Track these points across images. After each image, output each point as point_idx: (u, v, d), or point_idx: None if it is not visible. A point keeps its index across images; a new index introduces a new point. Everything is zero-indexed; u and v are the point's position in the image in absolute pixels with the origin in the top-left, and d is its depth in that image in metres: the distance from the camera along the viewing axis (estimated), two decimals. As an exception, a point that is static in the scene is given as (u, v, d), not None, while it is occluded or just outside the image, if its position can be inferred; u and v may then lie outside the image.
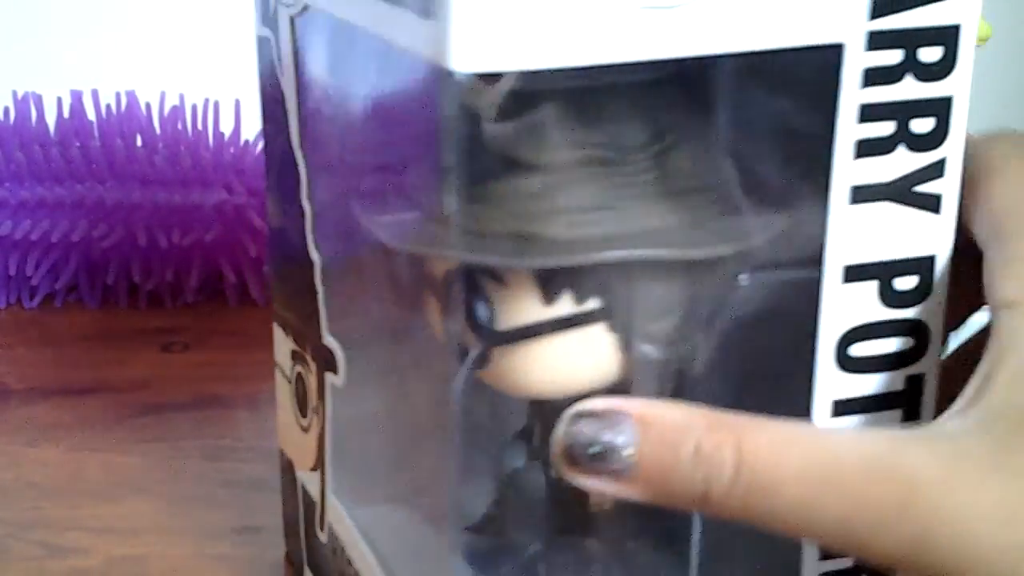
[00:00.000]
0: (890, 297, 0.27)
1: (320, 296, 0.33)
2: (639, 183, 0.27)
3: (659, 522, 0.29)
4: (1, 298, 0.59)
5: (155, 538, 0.42)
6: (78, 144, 0.57)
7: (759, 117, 0.28)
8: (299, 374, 0.36)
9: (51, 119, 0.58)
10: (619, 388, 0.28)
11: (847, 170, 0.26)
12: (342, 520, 0.34)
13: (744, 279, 0.27)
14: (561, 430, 0.25)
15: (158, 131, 0.58)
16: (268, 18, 0.34)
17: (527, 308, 0.27)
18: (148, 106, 0.58)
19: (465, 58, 0.23)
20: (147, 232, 0.57)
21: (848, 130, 0.26)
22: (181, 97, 0.58)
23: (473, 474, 0.30)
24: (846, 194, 0.26)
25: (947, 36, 0.26)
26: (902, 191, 0.27)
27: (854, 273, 0.27)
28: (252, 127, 0.59)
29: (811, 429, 0.26)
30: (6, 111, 0.59)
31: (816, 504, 0.24)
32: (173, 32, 0.68)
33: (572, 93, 0.26)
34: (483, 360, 0.28)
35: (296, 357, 0.36)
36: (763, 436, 0.24)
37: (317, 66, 0.32)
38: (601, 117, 0.27)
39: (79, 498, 0.44)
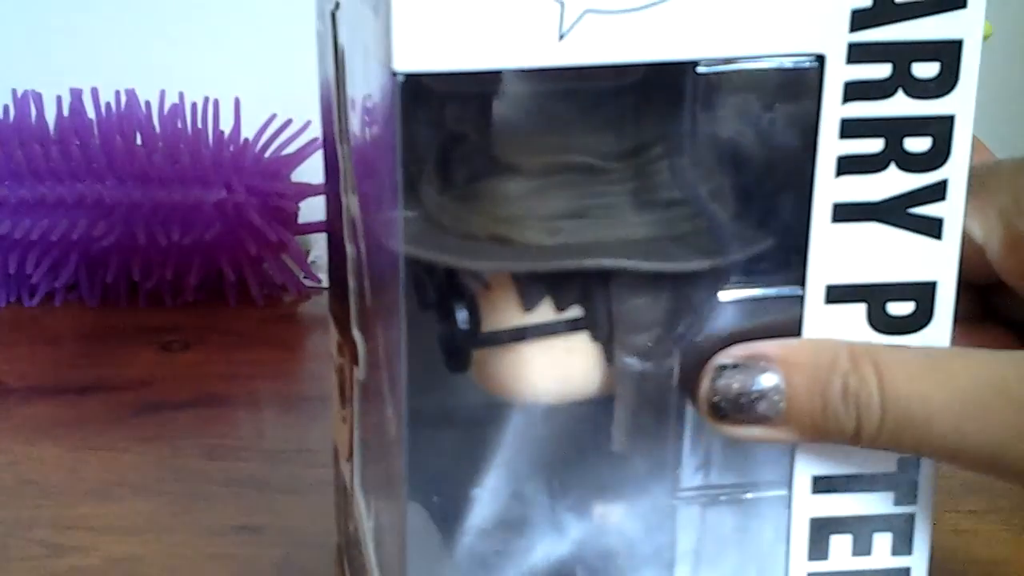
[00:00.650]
0: (882, 322, 0.26)
1: (351, 289, 0.33)
2: (621, 192, 0.27)
3: (650, 535, 0.29)
4: (1, 296, 0.59)
5: (155, 537, 0.42)
6: (78, 142, 0.57)
7: (742, 130, 0.27)
8: (340, 366, 0.36)
9: (51, 117, 0.58)
10: (603, 398, 0.28)
11: (828, 187, 0.26)
12: (360, 510, 0.34)
13: (724, 295, 0.27)
14: (706, 384, 0.26)
15: (158, 129, 0.58)
16: (321, 12, 0.34)
17: (507, 313, 0.27)
18: (148, 104, 0.58)
19: (406, 58, 0.23)
20: (147, 230, 0.57)
21: (829, 146, 0.25)
22: (180, 95, 0.58)
23: (485, 478, 0.30)
24: (828, 211, 0.26)
25: (944, 51, 0.25)
26: (895, 212, 0.26)
27: (838, 294, 0.26)
28: (252, 125, 0.59)
29: (944, 355, 0.26)
30: (5, 109, 0.59)
31: (963, 434, 0.24)
32: (173, 30, 0.68)
33: (558, 97, 0.26)
34: (463, 361, 0.28)
35: (340, 349, 0.36)
36: (903, 367, 0.25)
37: (344, 60, 0.33)
38: (586, 123, 0.27)
39: (79, 497, 0.44)
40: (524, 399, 0.28)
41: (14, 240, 0.57)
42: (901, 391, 0.25)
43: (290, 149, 0.59)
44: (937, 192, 0.26)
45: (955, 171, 0.26)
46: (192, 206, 0.57)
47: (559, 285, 0.27)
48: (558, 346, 0.27)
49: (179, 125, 0.58)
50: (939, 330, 0.27)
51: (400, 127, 0.24)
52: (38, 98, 0.59)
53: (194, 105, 0.58)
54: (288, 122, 0.59)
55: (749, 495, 0.28)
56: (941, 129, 0.25)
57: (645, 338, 0.27)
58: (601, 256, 0.26)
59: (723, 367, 0.26)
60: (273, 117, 0.59)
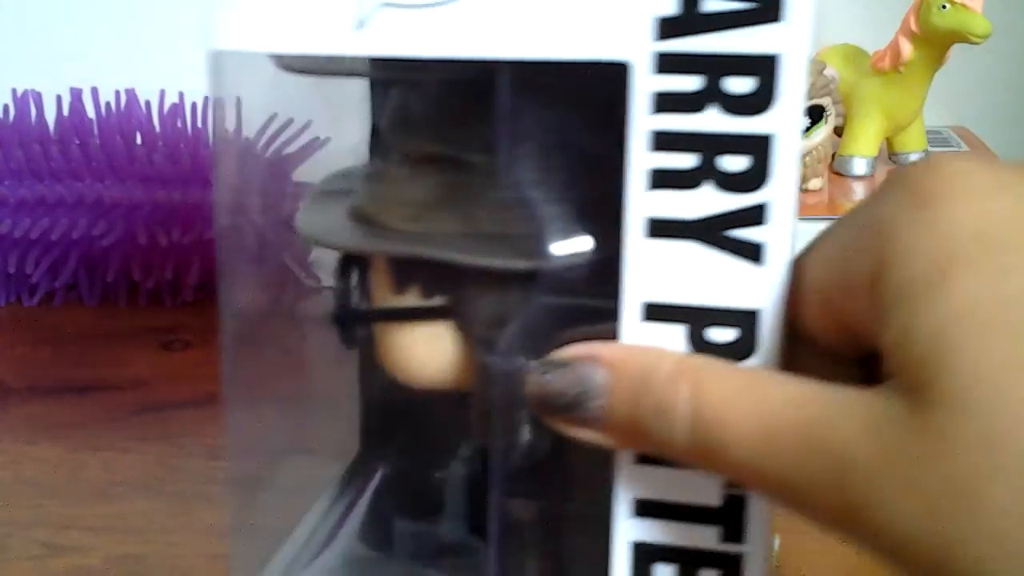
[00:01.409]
0: (704, 347, 0.25)
1: None
2: (476, 187, 0.27)
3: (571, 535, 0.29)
4: (1, 296, 0.59)
5: (155, 536, 0.42)
6: (78, 142, 0.57)
7: (560, 135, 0.26)
8: None
9: (51, 117, 0.58)
10: (465, 388, 0.28)
11: (641, 201, 0.24)
12: None
13: (544, 298, 0.26)
14: (533, 379, 0.25)
15: (157, 129, 0.58)
16: None
17: (383, 294, 0.28)
18: (148, 104, 0.58)
19: (222, 37, 0.25)
20: (147, 230, 0.57)
21: (640, 157, 0.24)
22: (180, 95, 0.58)
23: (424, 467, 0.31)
24: (641, 226, 0.24)
25: (761, 66, 0.23)
26: (711, 233, 0.24)
27: (656, 312, 0.25)
28: (251, 124, 0.59)
29: (761, 379, 0.24)
30: (5, 109, 0.59)
31: (758, 465, 0.23)
32: (172, 30, 0.68)
33: (429, 88, 0.27)
34: (346, 336, 0.29)
35: None
36: (718, 387, 0.24)
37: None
38: (456, 117, 0.27)
39: (79, 496, 0.44)
40: (405, 380, 0.29)
41: (14, 239, 0.57)
42: (708, 412, 0.23)
43: (290, 149, 0.59)
44: (757, 215, 0.24)
45: (778, 194, 0.24)
46: (192, 205, 0.57)
47: (425, 272, 0.27)
48: (426, 332, 0.28)
49: (179, 124, 0.58)
50: (764, 362, 0.25)
51: (213, 104, 0.27)
52: (38, 98, 0.59)
53: (194, 104, 0.58)
54: (288, 122, 0.59)
55: (577, 508, 0.28)
56: (760, 148, 0.23)
57: (492, 332, 0.27)
58: (429, 246, 0.27)
59: (553, 364, 0.25)
60: (273, 117, 0.59)
